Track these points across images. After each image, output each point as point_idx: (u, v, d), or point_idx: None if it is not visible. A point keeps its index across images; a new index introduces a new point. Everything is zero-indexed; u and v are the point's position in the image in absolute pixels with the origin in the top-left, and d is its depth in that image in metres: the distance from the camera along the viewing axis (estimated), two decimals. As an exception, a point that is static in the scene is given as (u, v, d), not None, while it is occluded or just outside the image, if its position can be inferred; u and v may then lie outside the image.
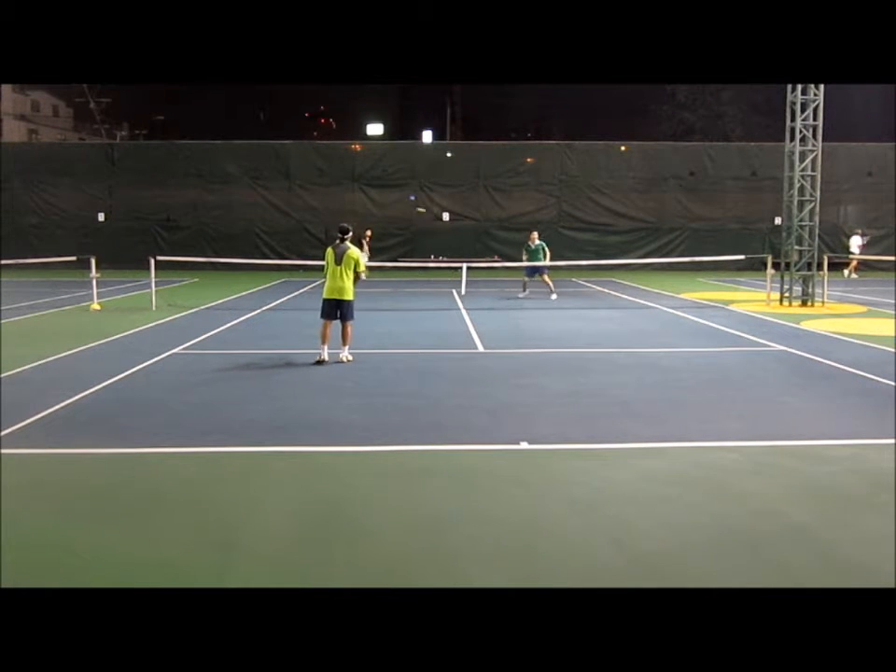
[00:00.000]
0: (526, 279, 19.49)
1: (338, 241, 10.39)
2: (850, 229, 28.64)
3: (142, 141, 52.24)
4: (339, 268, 10.26)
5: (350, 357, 10.27)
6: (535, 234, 19.58)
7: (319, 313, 10.37)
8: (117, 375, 9.33)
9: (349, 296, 10.29)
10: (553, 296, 19.01)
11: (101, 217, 30.36)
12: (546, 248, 19.35)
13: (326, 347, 10.19)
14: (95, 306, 16.42)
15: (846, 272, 26.05)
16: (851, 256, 26.38)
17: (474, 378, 9.44)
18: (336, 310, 10.27)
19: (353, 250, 10.33)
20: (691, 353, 11.26)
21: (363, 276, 10.51)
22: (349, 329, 10.34)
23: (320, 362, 10.10)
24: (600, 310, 17.05)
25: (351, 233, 10.50)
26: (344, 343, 10.31)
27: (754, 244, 29.18)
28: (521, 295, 19.31)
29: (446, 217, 30.82)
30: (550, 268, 19.78)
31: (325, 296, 10.38)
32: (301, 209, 30.53)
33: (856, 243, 27.07)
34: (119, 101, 56.60)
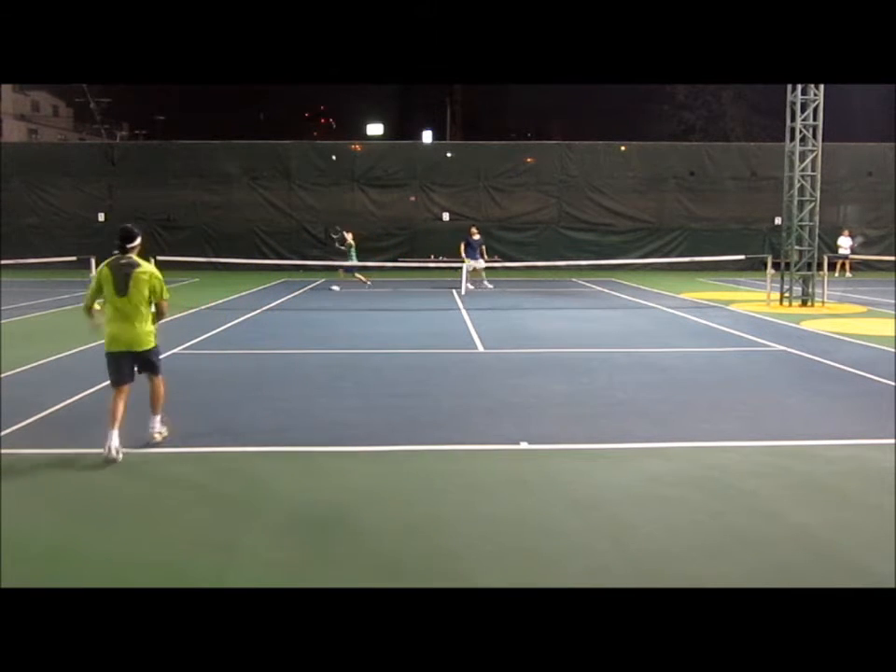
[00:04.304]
0: (344, 274, 21.66)
1: (116, 255, 6.38)
2: (851, 229, 28.59)
3: (142, 141, 52.25)
4: (124, 300, 6.26)
5: (164, 433, 6.62)
6: (349, 234, 21.00)
7: (110, 376, 6.49)
8: (117, 375, 9.31)
9: (148, 343, 6.42)
10: (336, 287, 21.31)
11: (101, 217, 30.35)
12: (353, 249, 21.06)
13: (116, 433, 6.15)
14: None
15: (837, 273, 25.83)
16: (851, 256, 26.33)
17: (474, 378, 9.43)
18: (131, 368, 6.43)
19: (145, 268, 6.34)
20: (691, 353, 11.25)
21: (165, 309, 6.56)
22: (161, 386, 6.63)
23: (111, 461, 6.06)
24: (600, 310, 17.04)
25: (139, 242, 6.41)
26: (155, 411, 6.60)
27: (754, 244, 29.18)
28: (336, 287, 21.18)
29: (446, 217, 30.82)
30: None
31: (108, 348, 6.40)
32: (301, 209, 30.52)
33: (845, 243, 27.02)
34: (118, 101, 56.60)
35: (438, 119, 50.47)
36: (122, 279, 6.26)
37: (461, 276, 20.66)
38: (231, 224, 30.17)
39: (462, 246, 21.60)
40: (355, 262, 20.99)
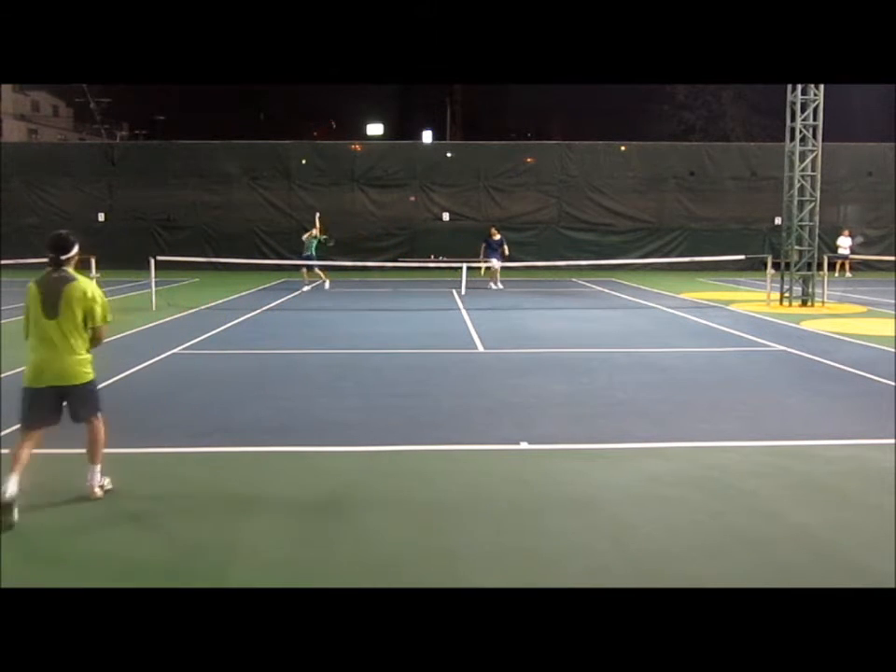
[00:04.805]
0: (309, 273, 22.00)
1: (50, 269, 5.19)
2: (851, 229, 28.58)
3: (142, 141, 52.22)
4: (52, 323, 5.05)
5: (108, 486, 5.41)
6: (315, 230, 21.70)
7: (23, 416, 5.19)
8: (117, 375, 9.32)
9: (83, 376, 5.16)
10: (326, 285, 21.54)
11: (101, 217, 30.36)
12: (316, 244, 21.67)
13: (16, 477, 4.94)
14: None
15: (837, 273, 25.78)
16: (851, 256, 26.32)
17: (474, 378, 9.43)
18: (56, 407, 5.18)
19: (81, 284, 5.11)
20: (691, 353, 11.25)
21: (103, 335, 5.27)
22: (101, 429, 5.35)
23: (6, 520, 4.78)
24: (600, 310, 17.04)
25: (76, 251, 5.24)
26: (94, 459, 5.35)
27: (754, 244, 29.16)
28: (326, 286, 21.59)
29: (446, 217, 30.82)
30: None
31: (29, 383, 5.13)
32: (301, 209, 30.47)
33: (845, 243, 27.02)
34: (118, 101, 56.58)
35: (438, 119, 50.45)
36: (52, 298, 5.05)
37: (462, 276, 20.66)
38: (231, 224, 30.17)
39: (482, 248, 21.70)
40: (312, 256, 21.34)
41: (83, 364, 5.17)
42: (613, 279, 25.16)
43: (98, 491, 5.35)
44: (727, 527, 4.86)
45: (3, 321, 14.19)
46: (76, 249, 5.22)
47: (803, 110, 16.84)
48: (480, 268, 21.81)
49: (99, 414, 5.38)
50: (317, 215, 21.91)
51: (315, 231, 21.31)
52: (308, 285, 21.47)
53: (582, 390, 8.71)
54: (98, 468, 5.37)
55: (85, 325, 5.12)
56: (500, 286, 21.69)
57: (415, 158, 31.29)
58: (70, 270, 5.19)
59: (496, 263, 21.46)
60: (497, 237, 21.57)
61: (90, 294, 5.11)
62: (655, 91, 48.37)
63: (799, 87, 16.74)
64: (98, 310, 5.15)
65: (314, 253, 21.44)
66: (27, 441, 5.14)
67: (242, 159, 30.58)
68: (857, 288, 21.53)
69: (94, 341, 5.24)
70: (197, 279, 24.45)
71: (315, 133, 54.38)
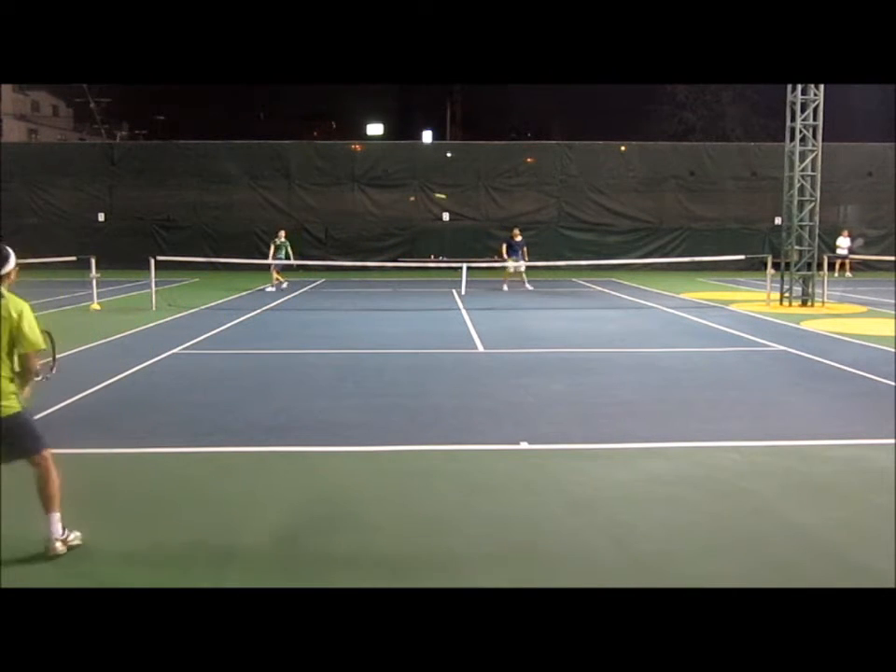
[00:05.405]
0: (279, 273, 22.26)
1: None
2: (850, 229, 28.59)
3: (142, 141, 52.22)
4: None
5: (73, 540, 4.52)
6: (282, 232, 22.63)
7: None
8: (117, 375, 9.33)
9: (4, 409, 4.27)
10: (270, 288, 21.37)
11: (101, 217, 30.36)
12: (289, 248, 22.24)
13: None
14: (95, 306, 16.41)
15: (837, 273, 25.77)
16: (851, 257, 26.32)
17: (474, 378, 9.43)
18: None
19: (7, 302, 4.23)
20: (691, 353, 11.25)
21: (34, 364, 4.35)
22: (49, 469, 4.48)
23: None
24: (600, 310, 17.05)
25: (12, 266, 4.30)
26: (50, 506, 4.47)
27: (754, 244, 29.15)
28: (270, 289, 21.49)
29: (446, 217, 30.82)
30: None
31: None
32: (301, 209, 30.52)
33: (844, 243, 27.02)
34: (119, 101, 56.59)
35: (438, 119, 50.46)
36: None
37: (462, 276, 20.65)
38: (231, 224, 30.17)
39: (504, 248, 21.63)
40: (282, 259, 21.94)
41: (4, 395, 4.27)
42: (613, 279, 25.17)
43: (59, 546, 4.43)
44: (727, 527, 4.86)
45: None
46: (11, 264, 4.32)
47: (803, 110, 16.84)
48: (505, 269, 21.72)
49: (43, 451, 4.48)
50: (279, 241, 22.46)
51: (281, 238, 22.08)
52: (280, 285, 21.82)
53: (582, 390, 8.71)
54: (57, 517, 4.46)
55: (11, 350, 4.27)
56: (529, 286, 21.42)
57: (415, 158, 31.30)
58: (3, 289, 4.26)
59: (522, 264, 21.32)
60: (519, 238, 21.46)
61: (16, 314, 4.23)
62: (655, 90, 48.35)
63: (799, 87, 16.75)
64: (28, 334, 4.26)
65: (283, 257, 21.99)
66: None
67: (242, 159, 30.59)
68: (857, 288, 21.53)
69: (24, 371, 4.34)
70: (197, 279, 24.45)
71: (315, 133, 54.37)
